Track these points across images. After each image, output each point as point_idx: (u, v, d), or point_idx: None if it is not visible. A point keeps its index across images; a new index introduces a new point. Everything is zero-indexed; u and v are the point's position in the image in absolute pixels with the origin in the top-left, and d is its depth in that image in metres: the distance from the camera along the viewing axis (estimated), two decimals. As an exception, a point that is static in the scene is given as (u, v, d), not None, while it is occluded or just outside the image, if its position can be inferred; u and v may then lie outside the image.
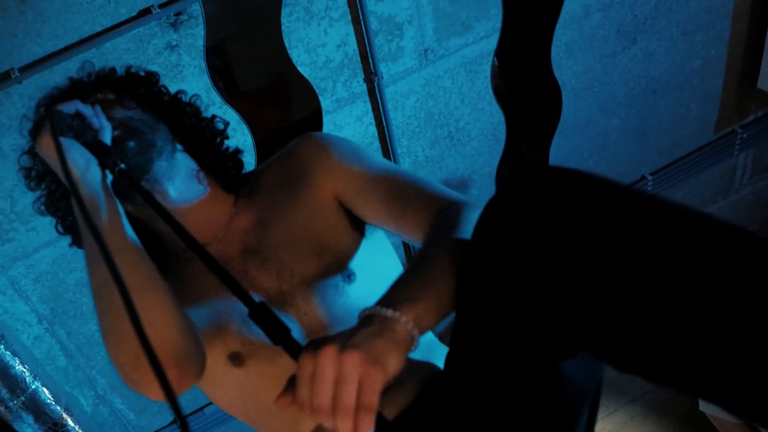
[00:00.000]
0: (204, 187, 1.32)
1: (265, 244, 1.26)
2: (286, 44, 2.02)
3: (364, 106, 2.22)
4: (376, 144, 2.31)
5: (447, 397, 1.01)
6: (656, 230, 0.79)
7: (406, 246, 2.60)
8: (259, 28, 2.22)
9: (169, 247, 1.32)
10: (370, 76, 2.16)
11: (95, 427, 2.24)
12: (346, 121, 2.22)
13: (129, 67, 1.38)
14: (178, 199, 1.27)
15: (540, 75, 2.51)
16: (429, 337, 1.31)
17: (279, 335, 0.89)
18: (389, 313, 0.89)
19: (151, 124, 1.25)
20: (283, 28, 1.99)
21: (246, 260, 1.25)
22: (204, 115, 1.40)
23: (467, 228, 1.01)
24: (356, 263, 1.26)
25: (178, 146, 1.30)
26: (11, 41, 1.71)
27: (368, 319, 0.90)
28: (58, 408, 2.06)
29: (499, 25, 2.25)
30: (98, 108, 1.19)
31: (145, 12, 1.81)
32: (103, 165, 1.12)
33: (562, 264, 0.82)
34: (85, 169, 1.11)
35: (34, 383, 1.99)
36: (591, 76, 2.53)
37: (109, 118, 1.20)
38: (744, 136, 2.98)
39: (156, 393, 1.05)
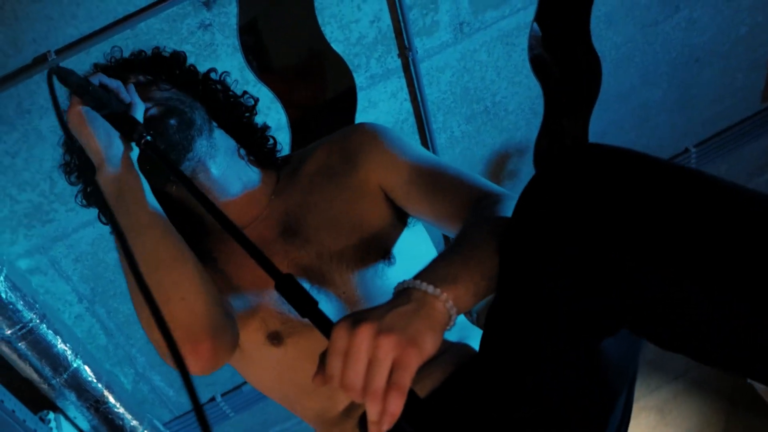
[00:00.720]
0: (245, 162, 1.33)
1: (307, 225, 1.26)
2: (319, 21, 1.99)
3: (399, 82, 2.19)
4: (411, 120, 2.29)
5: (481, 378, 1.01)
6: (687, 205, 0.79)
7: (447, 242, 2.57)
8: (292, 4, 2.20)
9: (209, 228, 1.32)
10: (405, 51, 2.12)
11: (135, 404, 2.28)
12: (380, 97, 2.19)
13: (156, 48, 1.38)
14: (220, 177, 1.27)
15: (579, 46, 2.45)
16: (461, 318, 1.32)
17: (306, 307, 0.88)
18: (430, 289, 0.88)
19: (189, 103, 1.25)
20: (316, 4, 1.96)
21: (286, 240, 1.26)
22: (234, 92, 1.40)
23: (506, 214, 1.01)
24: (397, 249, 1.26)
25: (214, 124, 1.31)
26: (47, 24, 1.72)
27: (406, 293, 0.90)
28: (100, 385, 2.09)
29: (536, -4, 2.20)
30: (131, 86, 1.19)
31: (177, -9, 1.80)
32: (128, 138, 1.12)
33: (596, 241, 0.82)
34: (108, 143, 1.11)
35: (75, 361, 2.02)
36: (632, 46, 2.46)
37: (147, 99, 1.21)
38: (792, 105, 2.89)
39: (191, 369, 1.07)
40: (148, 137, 1.10)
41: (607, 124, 2.62)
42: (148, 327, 1.09)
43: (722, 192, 0.79)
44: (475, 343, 1.22)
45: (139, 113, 1.15)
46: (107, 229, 2.07)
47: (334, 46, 2.05)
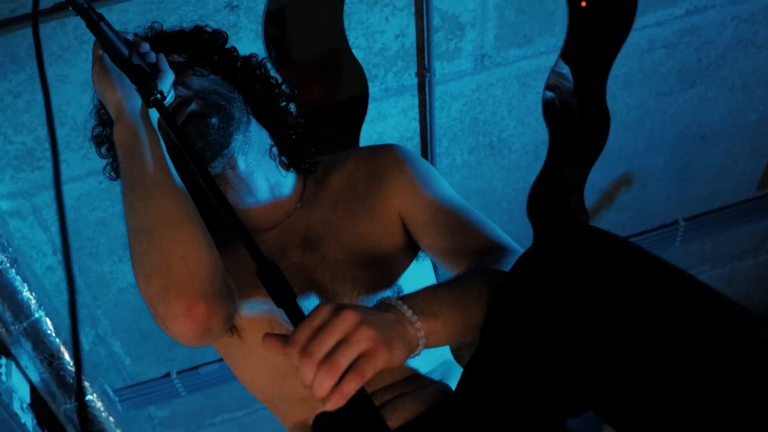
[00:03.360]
0: (276, 164, 1.30)
1: (327, 243, 1.26)
2: (345, 24, 2.00)
3: (411, 100, 2.20)
4: (416, 140, 2.30)
5: (452, 423, 1.04)
6: (667, 305, 0.82)
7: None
8: (322, 3, 2.21)
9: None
10: (423, 71, 2.14)
11: (89, 366, 2.26)
12: (390, 111, 2.20)
13: (197, 26, 1.35)
14: (248, 175, 1.25)
15: (592, 100, 2.48)
16: (448, 357, 1.33)
17: (284, 298, 0.89)
18: (408, 313, 0.91)
19: (227, 95, 1.22)
20: (345, 8, 1.97)
21: (304, 252, 1.26)
22: (274, 77, 1.36)
23: (506, 268, 1.04)
24: (405, 281, 1.27)
25: (250, 113, 1.27)
26: (77, -27, 1.71)
27: (387, 307, 0.92)
28: (57, 340, 2.07)
29: (560, 44, 2.22)
30: (161, 55, 1.18)
31: (212, -34, 1.80)
32: (142, 94, 1.11)
33: (577, 322, 0.85)
34: (127, 95, 1.10)
35: (38, 312, 2.00)
36: (643, 110, 2.49)
37: (183, 84, 1.19)
38: (785, 199, 2.93)
39: (182, 328, 1.05)
40: (158, 95, 1.09)
41: (604, 180, 2.65)
42: (146, 282, 1.05)
43: (709, 299, 0.83)
44: (455, 384, 1.23)
45: (167, 82, 1.14)
46: (96, 187, 2.07)
47: (355, 52, 2.06)
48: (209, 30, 1.35)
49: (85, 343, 2.38)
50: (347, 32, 2.02)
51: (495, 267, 1.07)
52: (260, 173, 1.27)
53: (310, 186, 1.35)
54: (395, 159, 1.32)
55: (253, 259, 0.90)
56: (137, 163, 1.08)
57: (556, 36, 2.20)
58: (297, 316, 0.88)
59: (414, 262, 1.32)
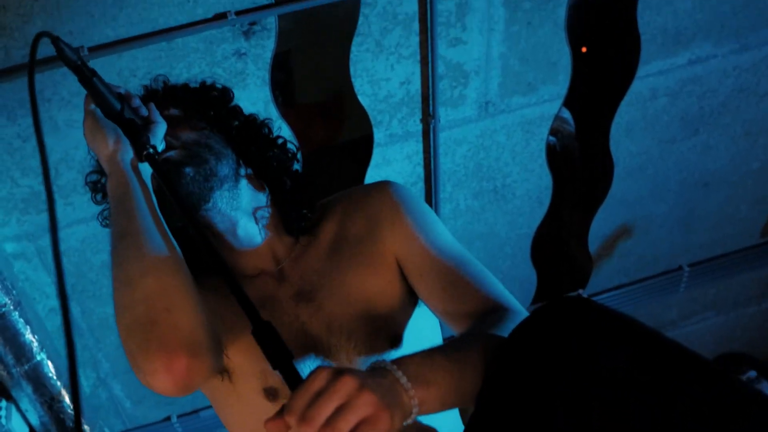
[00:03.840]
0: (263, 227, 1.27)
1: (321, 294, 1.23)
2: (351, 72, 2.03)
3: (416, 146, 2.22)
4: (420, 185, 2.31)
5: None
6: (645, 363, 0.83)
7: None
8: (328, 52, 2.24)
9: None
10: (428, 117, 2.16)
11: (90, 410, 2.24)
12: (395, 157, 2.22)
13: (203, 83, 1.35)
14: (239, 229, 1.24)
15: (596, 146, 2.49)
16: (455, 421, 1.31)
17: (280, 359, 0.88)
18: (403, 380, 0.89)
19: (217, 150, 1.21)
20: (351, 55, 2.00)
21: (299, 304, 1.23)
22: (274, 137, 1.35)
23: (505, 332, 1.02)
24: (405, 330, 1.24)
25: (243, 171, 1.26)
26: (87, 20, 1.74)
27: (382, 372, 0.90)
28: (59, 383, 2.06)
29: (564, 92, 2.24)
30: (152, 104, 1.18)
31: (220, 16, 1.83)
32: (135, 147, 1.11)
33: (570, 384, 0.85)
34: (119, 148, 1.10)
35: (40, 354, 2.00)
36: (646, 158, 2.51)
37: (173, 136, 1.19)
38: (789, 246, 2.93)
39: (161, 384, 1.02)
40: (150, 150, 1.10)
41: (608, 227, 2.65)
42: (128, 333, 1.03)
43: (684, 357, 0.84)
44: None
45: (159, 133, 1.14)
46: (100, 230, 2.06)
47: (360, 98, 2.08)
48: (217, 86, 1.34)
49: (86, 385, 2.37)
50: (353, 79, 2.04)
51: (494, 330, 1.05)
52: (251, 229, 1.26)
53: (303, 238, 1.32)
54: (390, 200, 1.27)
55: (248, 318, 0.90)
56: (127, 214, 1.08)
57: (560, 84, 2.22)
58: (294, 380, 0.87)
59: (416, 309, 1.29)
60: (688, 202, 2.70)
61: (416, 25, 1.99)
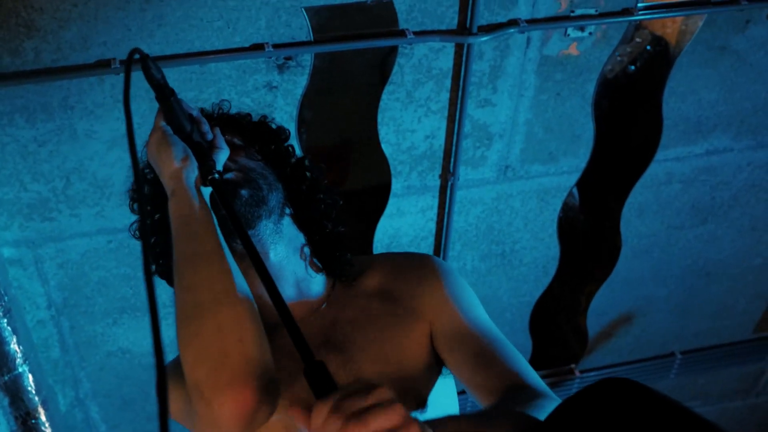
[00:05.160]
0: (306, 264, 1.27)
1: (352, 347, 1.22)
2: (378, 119, 2.02)
3: (431, 201, 2.21)
4: (431, 240, 2.29)
5: None
6: None
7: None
8: (359, 96, 2.24)
9: (263, 314, 1.18)
10: (447, 174, 2.15)
11: (64, 429, 2.16)
12: (409, 209, 2.20)
13: (264, 117, 1.36)
14: (275, 266, 1.21)
15: (607, 223, 2.50)
16: None
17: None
18: None
19: (270, 181, 1.21)
20: (381, 103, 2.00)
21: (329, 353, 1.20)
22: (324, 182, 1.34)
23: (535, 413, 1.01)
24: (431, 397, 1.23)
25: (288, 210, 1.26)
26: (124, 33, 1.72)
27: None
28: (36, 398, 1.99)
29: (583, 165, 2.25)
30: (217, 130, 1.18)
31: (258, 47, 1.82)
32: (201, 170, 1.10)
33: None
34: (183, 165, 1.08)
35: (22, 366, 1.92)
36: (653, 240, 2.51)
37: (232, 161, 1.18)
38: (781, 345, 2.94)
39: (229, 416, 0.97)
40: (216, 175, 1.09)
41: (608, 305, 2.65)
42: (195, 360, 0.99)
43: None
44: None
45: (222, 158, 1.13)
46: (104, 245, 2.03)
47: (383, 146, 2.07)
48: (273, 125, 1.35)
49: (63, 404, 2.29)
50: (379, 126, 2.03)
51: (525, 409, 1.04)
52: (288, 268, 1.24)
53: (339, 286, 1.31)
54: (433, 271, 1.29)
55: (301, 356, 0.87)
56: (195, 236, 1.05)
57: (580, 158, 2.23)
58: None
59: (440, 378, 1.28)
60: (688, 289, 2.71)
61: (449, 82, 2.00)
